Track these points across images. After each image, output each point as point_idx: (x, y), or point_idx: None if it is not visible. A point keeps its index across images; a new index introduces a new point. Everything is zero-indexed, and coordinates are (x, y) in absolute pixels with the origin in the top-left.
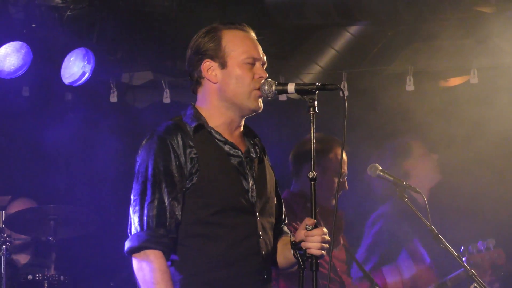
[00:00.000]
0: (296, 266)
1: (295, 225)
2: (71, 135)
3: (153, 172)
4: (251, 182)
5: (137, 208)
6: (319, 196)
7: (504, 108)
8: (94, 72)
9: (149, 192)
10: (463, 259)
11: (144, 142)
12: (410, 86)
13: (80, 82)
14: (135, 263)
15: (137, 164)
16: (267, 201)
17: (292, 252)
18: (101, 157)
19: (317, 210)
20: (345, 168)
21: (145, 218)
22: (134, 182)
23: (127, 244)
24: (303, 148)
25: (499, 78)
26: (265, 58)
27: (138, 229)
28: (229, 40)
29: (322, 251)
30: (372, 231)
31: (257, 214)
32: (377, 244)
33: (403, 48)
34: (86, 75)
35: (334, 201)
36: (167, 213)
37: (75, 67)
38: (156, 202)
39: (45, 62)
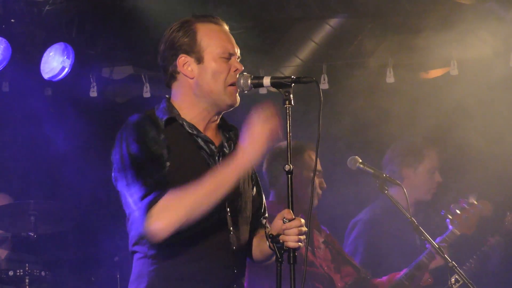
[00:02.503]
0: (272, 259)
1: None
2: (51, 130)
3: (135, 153)
4: None
5: (133, 188)
6: (301, 200)
7: (484, 100)
8: (73, 67)
9: (137, 171)
10: (447, 221)
11: (117, 134)
12: (390, 78)
13: (60, 77)
14: (155, 211)
15: (116, 156)
16: (238, 196)
17: (268, 244)
18: (81, 153)
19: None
20: (319, 166)
21: (144, 187)
22: (118, 173)
23: (139, 211)
24: (275, 158)
25: (479, 69)
26: (239, 51)
27: (143, 195)
28: (204, 34)
29: (300, 243)
30: (349, 239)
31: (228, 209)
32: (355, 251)
33: (383, 40)
34: (66, 69)
35: (316, 201)
36: (162, 180)
37: (55, 62)
38: (148, 176)
39: (24, 57)
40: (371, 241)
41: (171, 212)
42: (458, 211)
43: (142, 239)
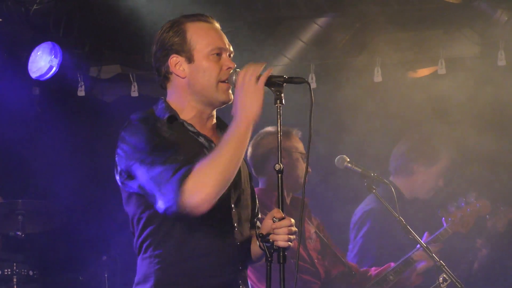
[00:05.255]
0: (263, 259)
1: None
2: (39, 129)
3: (154, 139)
4: None
5: (162, 169)
6: (291, 183)
7: (472, 98)
8: (61, 66)
9: (163, 152)
10: (442, 219)
11: (123, 132)
12: (378, 77)
13: (48, 76)
14: (188, 185)
15: (123, 152)
16: (242, 192)
17: (258, 244)
18: (69, 152)
19: (289, 199)
20: (303, 150)
21: (166, 166)
22: (135, 163)
23: (169, 194)
24: (261, 145)
25: (466, 68)
26: (231, 48)
27: (170, 173)
28: (193, 33)
29: (289, 243)
30: (361, 232)
31: (232, 205)
32: (370, 243)
33: (371, 39)
34: (54, 69)
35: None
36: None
37: (42, 61)
38: (171, 156)
39: (12, 56)
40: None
41: (209, 179)
42: (454, 210)
43: (144, 239)
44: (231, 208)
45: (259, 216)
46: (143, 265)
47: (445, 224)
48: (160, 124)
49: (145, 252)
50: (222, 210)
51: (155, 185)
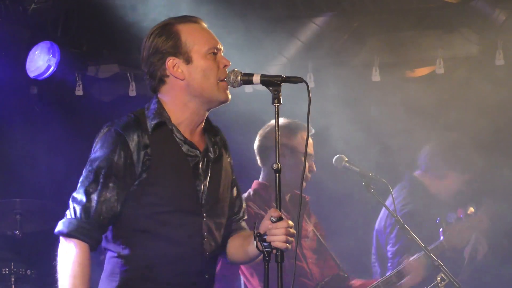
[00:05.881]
0: (257, 259)
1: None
2: (37, 129)
3: (101, 164)
4: (203, 183)
5: (78, 194)
6: (291, 182)
7: (470, 98)
8: (59, 66)
9: (92, 183)
10: (440, 231)
11: (101, 132)
12: (376, 77)
13: (46, 75)
14: (60, 245)
15: (91, 151)
16: (217, 201)
17: (255, 244)
18: (67, 151)
19: (287, 196)
20: (311, 149)
21: (81, 206)
22: (85, 166)
23: (59, 226)
24: (268, 137)
25: (464, 68)
26: (222, 46)
27: (72, 215)
28: (188, 34)
29: (287, 244)
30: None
31: (204, 215)
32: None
33: (369, 39)
34: (52, 68)
35: (304, 185)
36: (104, 208)
37: (40, 61)
38: (96, 194)
39: (10, 55)
40: None
41: (61, 259)
42: (453, 222)
43: (114, 238)
44: (202, 218)
45: (245, 217)
46: (111, 263)
47: (442, 237)
48: (140, 133)
49: (113, 250)
50: (192, 220)
51: (70, 205)
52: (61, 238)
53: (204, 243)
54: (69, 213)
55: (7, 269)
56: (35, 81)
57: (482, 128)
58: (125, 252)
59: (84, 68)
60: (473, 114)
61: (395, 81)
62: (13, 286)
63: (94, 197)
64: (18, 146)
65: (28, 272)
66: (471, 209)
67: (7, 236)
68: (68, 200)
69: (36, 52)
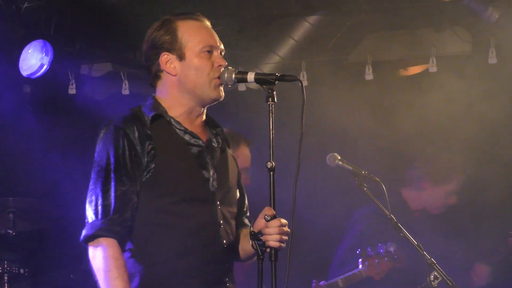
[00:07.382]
0: (255, 258)
1: None
2: (30, 127)
3: (109, 161)
4: (211, 171)
5: (93, 197)
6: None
7: (463, 97)
8: (52, 64)
9: (104, 182)
10: (359, 260)
11: (101, 131)
12: (369, 76)
13: (39, 74)
14: (90, 251)
15: (95, 154)
16: (228, 190)
17: (251, 243)
18: (60, 149)
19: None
20: (249, 162)
21: (100, 207)
22: (91, 171)
23: (83, 233)
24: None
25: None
26: (222, 46)
27: (93, 218)
28: (184, 31)
29: (281, 243)
30: (352, 233)
31: (218, 203)
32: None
33: (362, 37)
34: (44, 67)
35: None
36: (122, 202)
37: (33, 59)
38: (111, 191)
39: (2, 54)
40: None
41: (94, 262)
42: (373, 254)
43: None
44: (217, 206)
45: (247, 214)
46: (128, 265)
47: (360, 266)
48: (140, 126)
49: (129, 251)
50: (207, 208)
51: (87, 210)
52: (89, 245)
53: (220, 231)
54: (89, 217)
55: (0, 268)
56: (28, 79)
57: (474, 125)
58: (140, 250)
59: (77, 67)
60: (465, 113)
61: (388, 80)
62: (6, 285)
63: (111, 193)
64: (11, 144)
65: (22, 271)
66: (391, 247)
67: (0, 235)
68: (84, 207)
69: (29, 51)
